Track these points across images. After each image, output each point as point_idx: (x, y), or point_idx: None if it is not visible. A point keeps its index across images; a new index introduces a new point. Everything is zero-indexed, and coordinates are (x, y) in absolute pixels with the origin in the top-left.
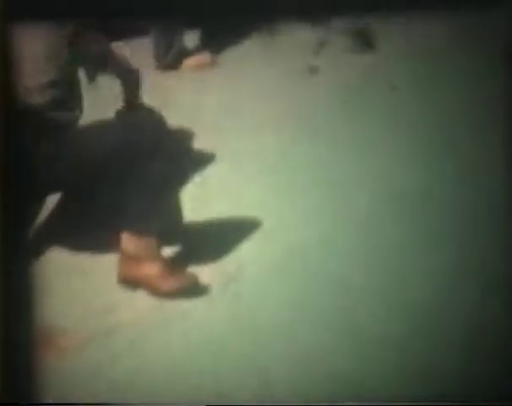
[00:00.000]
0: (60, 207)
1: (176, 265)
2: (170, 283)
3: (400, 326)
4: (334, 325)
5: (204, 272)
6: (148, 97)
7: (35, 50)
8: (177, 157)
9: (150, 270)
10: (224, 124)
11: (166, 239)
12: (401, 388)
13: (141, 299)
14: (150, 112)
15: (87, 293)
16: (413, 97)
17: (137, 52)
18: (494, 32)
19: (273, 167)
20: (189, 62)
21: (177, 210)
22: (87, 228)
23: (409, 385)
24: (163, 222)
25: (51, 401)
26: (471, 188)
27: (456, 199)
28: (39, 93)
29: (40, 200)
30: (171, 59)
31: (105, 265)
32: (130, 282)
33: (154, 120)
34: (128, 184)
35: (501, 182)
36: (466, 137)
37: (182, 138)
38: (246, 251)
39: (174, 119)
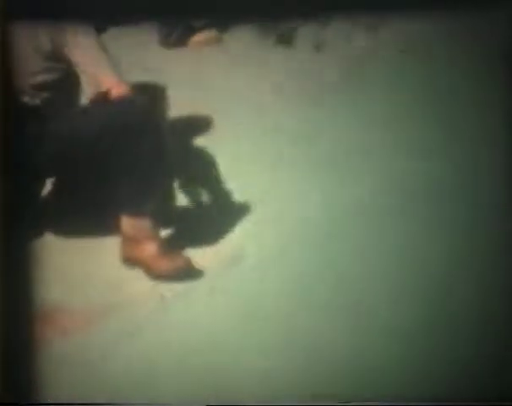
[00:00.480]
0: (60, 192)
1: (172, 247)
2: (164, 265)
3: (399, 326)
4: (333, 320)
5: (200, 255)
6: (152, 75)
7: (35, 48)
8: (171, 140)
9: (147, 250)
10: (228, 102)
11: (161, 221)
12: (401, 388)
13: (142, 279)
14: (144, 94)
15: (92, 273)
16: (412, 97)
17: (141, 29)
18: (494, 32)
19: (276, 145)
20: (194, 38)
21: (171, 192)
22: (86, 213)
23: (409, 385)
24: (158, 204)
25: (51, 401)
26: (470, 187)
27: (456, 198)
28: (38, 90)
29: (39, 185)
30: (176, 37)
31: (110, 245)
32: (131, 262)
33: (147, 103)
34: (122, 166)
35: (501, 181)
36: (466, 137)
37: (180, 122)
38: (245, 235)
39: (178, 97)
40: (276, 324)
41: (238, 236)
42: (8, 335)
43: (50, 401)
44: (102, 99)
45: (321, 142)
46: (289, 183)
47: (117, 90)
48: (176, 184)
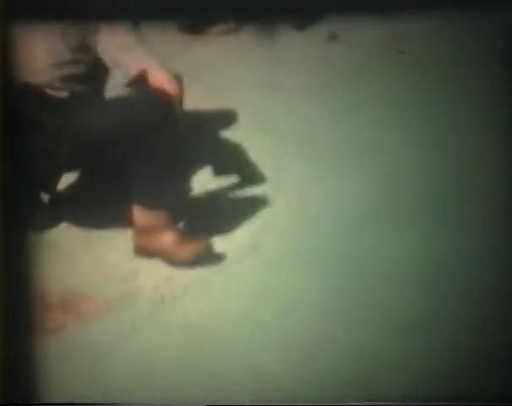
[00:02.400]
0: (78, 183)
1: (189, 235)
2: (186, 250)
3: (399, 327)
4: (342, 318)
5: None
6: (171, 63)
7: (63, 41)
8: (187, 131)
9: (165, 239)
10: (248, 92)
11: (176, 212)
12: (401, 388)
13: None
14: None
15: (107, 261)
16: (412, 98)
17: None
18: (494, 32)
19: (296, 135)
20: (214, 27)
21: (186, 183)
22: (99, 204)
23: (409, 385)
24: (173, 195)
25: (51, 401)
26: (471, 188)
27: (457, 197)
28: (63, 82)
29: (56, 178)
30: (193, 27)
31: (125, 234)
32: (146, 252)
33: (163, 95)
34: (137, 158)
35: (501, 181)
36: (466, 136)
37: (195, 113)
38: (258, 227)
39: (196, 86)
40: (278, 323)
41: (250, 229)
42: (8, 333)
43: (50, 401)
44: (139, 82)
45: (336, 133)
46: (304, 175)
47: (168, 86)
48: (189, 176)
